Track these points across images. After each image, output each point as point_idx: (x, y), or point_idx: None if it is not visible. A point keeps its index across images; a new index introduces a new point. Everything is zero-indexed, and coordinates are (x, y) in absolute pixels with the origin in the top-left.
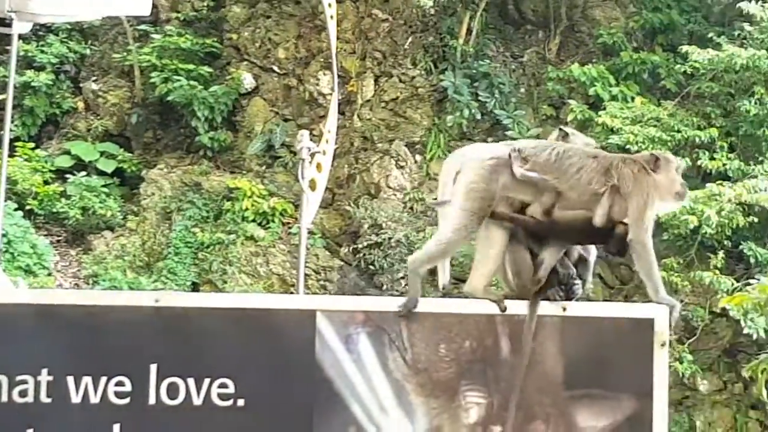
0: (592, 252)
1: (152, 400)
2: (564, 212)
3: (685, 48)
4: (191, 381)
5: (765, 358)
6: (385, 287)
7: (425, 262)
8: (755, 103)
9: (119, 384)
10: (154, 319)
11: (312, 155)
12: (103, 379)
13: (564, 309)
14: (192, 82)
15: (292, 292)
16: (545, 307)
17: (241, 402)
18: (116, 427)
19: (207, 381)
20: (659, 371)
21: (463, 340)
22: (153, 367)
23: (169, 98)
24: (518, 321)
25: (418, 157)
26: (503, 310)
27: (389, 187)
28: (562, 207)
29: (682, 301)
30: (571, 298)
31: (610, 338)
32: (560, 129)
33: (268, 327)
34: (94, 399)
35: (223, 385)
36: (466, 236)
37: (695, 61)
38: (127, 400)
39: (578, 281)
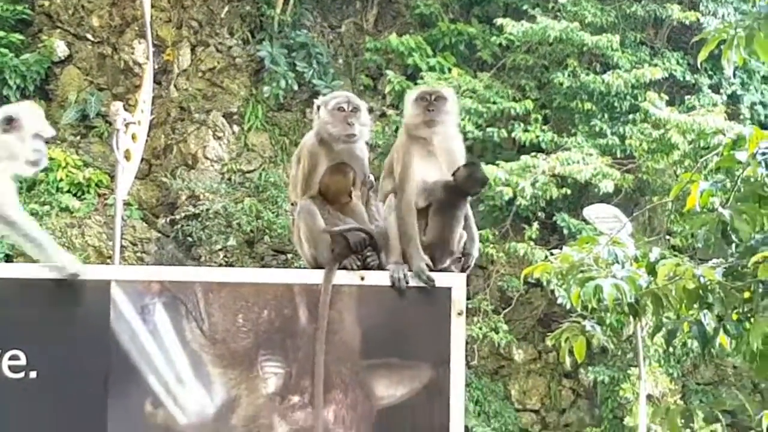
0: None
1: None
2: None
3: (500, 20)
4: None
5: (567, 327)
6: (203, 258)
7: None
8: (568, 76)
9: None
10: None
11: (127, 125)
12: None
13: (362, 278)
14: (3, 50)
15: (108, 263)
16: (343, 277)
17: (33, 374)
18: None
19: None
20: (456, 340)
21: (261, 310)
22: None
23: None
24: (316, 290)
25: (236, 128)
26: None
27: (207, 158)
28: None
29: (498, 271)
30: (368, 267)
31: (408, 307)
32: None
33: (61, 297)
34: None
35: (14, 357)
36: None
37: (510, 34)
38: None
39: (372, 251)
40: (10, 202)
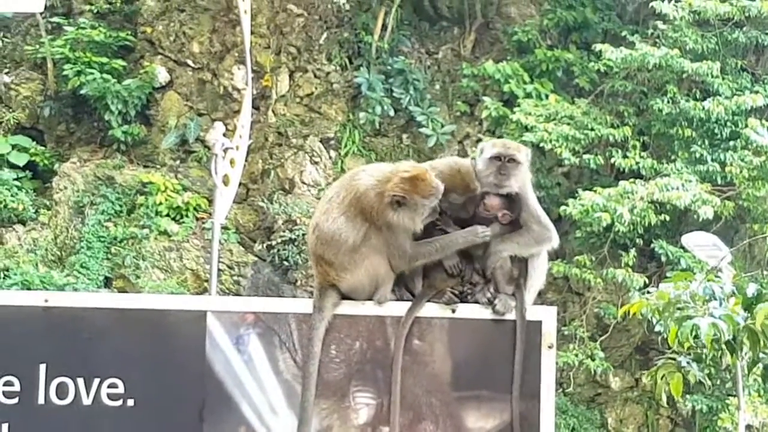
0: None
1: (41, 400)
2: None
3: (599, 46)
4: (81, 381)
5: (663, 364)
6: (299, 283)
7: None
8: (668, 102)
9: (8, 384)
10: (43, 319)
11: (225, 150)
12: None
13: (453, 311)
14: (105, 75)
15: (205, 288)
16: (434, 309)
17: (130, 402)
18: (5, 427)
19: (96, 381)
20: (547, 373)
21: (353, 341)
22: (42, 367)
23: (82, 91)
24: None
25: (333, 153)
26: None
27: (303, 183)
28: None
29: (594, 298)
30: (465, 300)
31: (499, 340)
32: None
33: (158, 327)
34: None
35: (112, 385)
36: None
37: (609, 60)
38: (15, 400)
39: (469, 286)
40: None
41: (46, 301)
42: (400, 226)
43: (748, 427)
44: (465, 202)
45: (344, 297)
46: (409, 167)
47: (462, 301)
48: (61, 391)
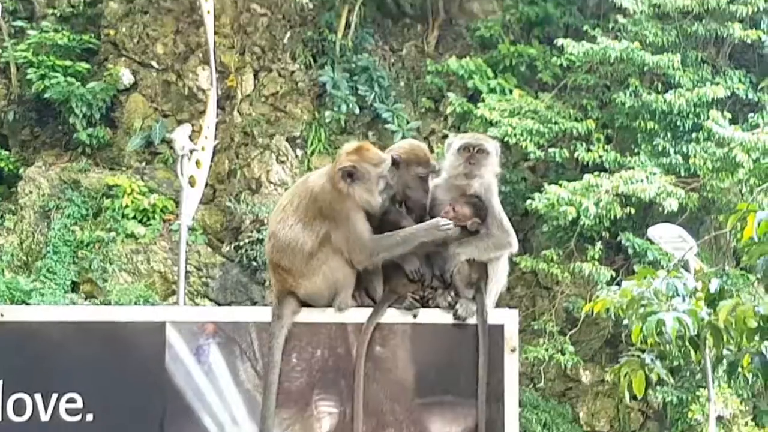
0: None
1: None
2: None
3: (561, 41)
4: (38, 396)
5: (626, 362)
6: (267, 283)
7: None
8: (630, 95)
9: None
10: None
11: (191, 151)
12: None
13: (414, 316)
14: (69, 79)
15: (173, 290)
16: (396, 315)
17: (90, 416)
18: None
19: (55, 396)
20: (510, 376)
21: (314, 349)
22: None
23: (46, 95)
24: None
25: (299, 152)
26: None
27: (270, 182)
28: None
29: (563, 292)
30: (426, 305)
31: (461, 345)
32: None
33: (116, 339)
34: None
35: (71, 400)
36: None
37: (571, 54)
38: None
39: (430, 290)
40: None
41: (1, 315)
42: (358, 201)
43: (719, 418)
44: (426, 179)
45: (304, 304)
46: (352, 144)
47: (423, 306)
48: (19, 407)
